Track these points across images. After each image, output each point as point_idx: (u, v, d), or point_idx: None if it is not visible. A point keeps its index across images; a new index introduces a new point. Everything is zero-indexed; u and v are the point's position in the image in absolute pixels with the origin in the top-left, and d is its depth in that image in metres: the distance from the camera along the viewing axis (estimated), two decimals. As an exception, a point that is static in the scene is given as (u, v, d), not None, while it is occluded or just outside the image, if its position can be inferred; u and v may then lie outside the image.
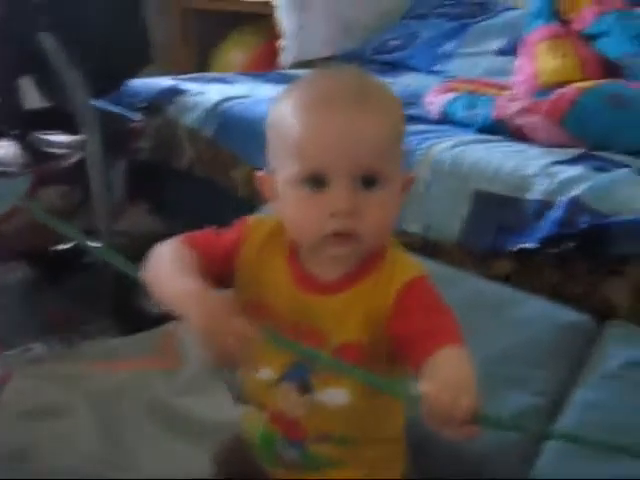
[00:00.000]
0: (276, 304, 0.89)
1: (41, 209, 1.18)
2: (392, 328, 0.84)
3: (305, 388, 0.90)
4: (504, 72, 2.29)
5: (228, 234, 0.93)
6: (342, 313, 0.87)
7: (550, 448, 1.20)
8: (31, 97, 2.03)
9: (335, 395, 0.89)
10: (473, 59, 2.59)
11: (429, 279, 0.88)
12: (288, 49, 2.98)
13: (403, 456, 1.01)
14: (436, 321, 0.82)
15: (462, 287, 1.41)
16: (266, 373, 0.92)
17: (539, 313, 1.40)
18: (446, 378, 0.72)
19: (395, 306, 0.84)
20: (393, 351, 0.85)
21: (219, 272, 0.91)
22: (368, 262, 0.87)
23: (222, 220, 0.96)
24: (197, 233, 0.94)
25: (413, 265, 0.89)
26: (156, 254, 0.89)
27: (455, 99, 1.95)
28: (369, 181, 0.81)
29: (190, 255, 0.88)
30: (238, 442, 1.04)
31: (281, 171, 0.86)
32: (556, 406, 1.27)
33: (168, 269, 0.86)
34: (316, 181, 0.82)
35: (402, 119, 0.88)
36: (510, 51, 2.43)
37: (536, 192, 1.50)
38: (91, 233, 2.06)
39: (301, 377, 0.90)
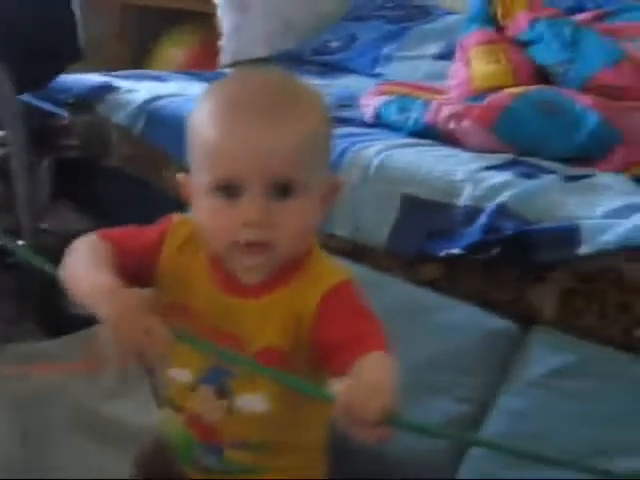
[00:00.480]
0: (197, 306, 0.88)
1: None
2: (316, 334, 0.83)
3: (223, 392, 0.88)
4: (443, 76, 2.29)
5: (150, 231, 0.91)
6: (263, 317, 0.85)
7: (474, 455, 1.20)
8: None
9: (253, 401, 0.87)
10: (412, 62, 2.59)
11: (354, 283, 0.86)
12: (226, 48, 2.95)
13: (322, 464, 1.00)
14: (361, 327, 0.81)
15: (389, 292, 1.41)
16: (184, 375, 0.90)
17: (466, 319, 1.40)
18: (360, 379, 0.71)
19: (319, 311, 0.83)
20: (315, 357, 0.84)
21: (137, 269, 0.89)
22: (291, 266, 0.85)
23: (152, 219, 0.93)
24: (116, 229, 0.92)
25: (338, 269, 0.88)
26: (72, 250, 0.87)
27: (389, 102, 1.94)
28: (283, 190, 0.79)
29: (105, 250, 0.87)
30: (158, 445, 1.03)
31: (196, 177, 0.84)
32: (482, 413, 1.27)
33: (83, 264, 0.85)
34: (228, 190, 0.80)
35: (325, 124, 0.85)
36: (449, 55, 2.43)
37: (464, 197, 1.49)
38: (14, 232, 2.00)
39: (219, 381, 0.88)
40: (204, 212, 0.83)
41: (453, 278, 1.50)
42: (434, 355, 1.33)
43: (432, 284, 1.50)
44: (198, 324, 0.87)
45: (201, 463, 0.95)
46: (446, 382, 1.31)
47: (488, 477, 1.17)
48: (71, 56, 1.89)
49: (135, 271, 0.88)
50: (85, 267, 0.84)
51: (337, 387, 0.70)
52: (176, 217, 0.92)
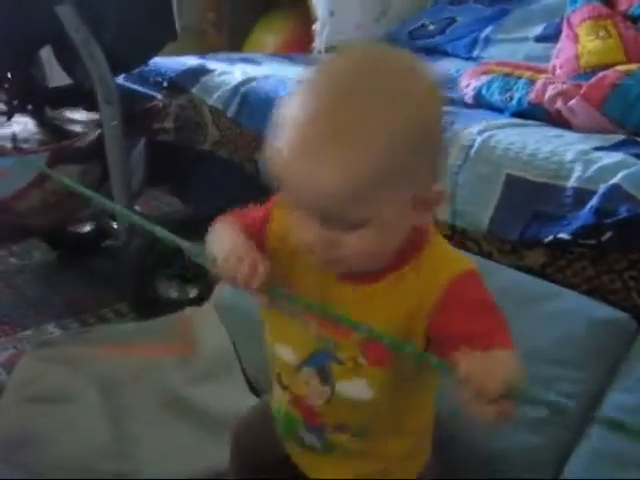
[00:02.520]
0: (303, 285, 0.85)
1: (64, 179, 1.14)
2: (435, 325, 0.79)
3: (326, 377, 0.86)
4: (544, 59, 2.21)
5: (257, 211, 0.90)
6: (372, 304, 0.81)
7: (579, 454, 1.14)
8: (58, 74, 1.99)
9: (356, 388, 0.85)
10: (512, 45, 2.51)
11: (476, 273, 0.81)
12: (320, 33, 2.93)
13: (426, 450, 0.98)
14: (486, 322, 0.77)
15: (491, 279, 1.30)
16: (288, 353, 0.89)
17: (573, 308, 1.31)
18: (482, 354, 0.68)
19: (441, 301, 0.78)
20: (430, 348, 0.80)
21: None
22: (408, 254, 0.80)
23: (244, 203, 0.92)
24: (238, 210, 0.91)
25: (462, 258, 0.83)
26: (213, 229, 0.88)
27: (490, 81, 1.86)
28: (343, 223, 0.73)
29: (234, 227, 0.87)
30: (260, 416, 1.05)
31: None
32: (588, 409, 1.20)
33: (219, 234, 0.87)
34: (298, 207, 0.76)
35: (419, 136, 0.72)
36: (550, 37, 2.36)
37: (573, 179, 1.40)
38: (108, 213, 2.03)
39: (323, 365, 0.86)
40: (291, 215, 0.79)
41: (559, 265, 1.41)
42: (539, 346, 1.25)
43: (537, 271, 1.42)
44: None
45: (304, 443, 0.95)
46: (551, 374, 1.23)
47: (594, 477, 1.11)
48: (166, 37, 1.88)
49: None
50: (223, 236, 0.86)
51: (460, 358, 0.67)
52: (278, 201, 0.88)
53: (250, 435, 1.09)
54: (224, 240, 0.83)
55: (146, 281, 1.92)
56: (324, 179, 0.69)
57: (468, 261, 0.82)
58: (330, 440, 0.91)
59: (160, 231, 0.87)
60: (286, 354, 0.89)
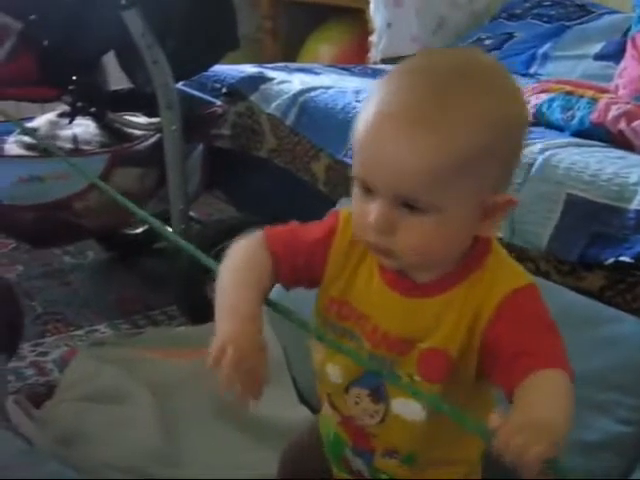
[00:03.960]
0: (361, 303, 0.84)
1: (112, 190, 1.15)
2: (488, 337, 0.77)
3: (378, 396, 0.84)
4: (602, 77, 2.19)
5: (318, 227, 0.88)
6: (434, 317, 0.80)
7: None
8: (118, 78, 2.02)
9: (409, 408, 0.83)
10: (570, 62, 2.49)
11: (535, 289, 0.80)
12: (377, 44, 2.93)
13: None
14: (540, 339, 0.75)
15: (549, 299, 1.30)
16: (335, 374, 0.87)
17: (633, 333, 1.28)
18: (524, 417, 0.65)
19: (497, 313, 0.77)
20: (482, 362, 0.79)
21: (306, 266, 0.86)
22: (469, 265, 0.80)
23: (299, 213, 0.92)
24: (281, 228, 0.89)
25: (522, 273, 0.81)
26: (234, 249, 0.86)
27: (551, 100, 1.84)
28: (410, 206, 0.73)
29: (263, 263, 0.84)
30: (310, 438, 1.02)
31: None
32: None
33: (232, 276, 0.83)
34: (366, 188, 0.76)
35: (496, 139, 0.73)
36: (610, 56, 2.33)
37: (637, 201, 1.38)
38: (164, 218, 2.04)
39: (376, 384, 0.84)
40: (353, 199, 0.80)
41: (620, 288, 1.38)
42: (597, 371, 1.23)
43: (595, 293, 1.40)
44: (361, 322, 0.83)
45: (351, 468, 0.93)
46: (609, 401, 1.22)
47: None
48: (229, 45, 1.89)
49: (304, 268, 0.86)
50: (235, 280, 0.83)
51: (497, 424, 0.64)
52: (345, 210, 0.87)
53: (299, 458, 1.07)
54: (233, 300, 0.81)
55: (197, 285, 1.93)
56: (407, 154, 0.71)
57: (526, 277, 0.81)
58: (377, 466, 0.89)
59: (188, 248, 0.87)
60: (335, 375, 0.87)
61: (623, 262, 1.35)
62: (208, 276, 1.94)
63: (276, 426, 1.44)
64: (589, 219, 1.43)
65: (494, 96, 0.74)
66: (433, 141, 0.71)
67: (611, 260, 1.37)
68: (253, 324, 0.78)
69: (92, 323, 1.97)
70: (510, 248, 1.50)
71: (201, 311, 1.92)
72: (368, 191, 0.75)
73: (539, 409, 0.67)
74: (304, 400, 1.53)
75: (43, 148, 1.77)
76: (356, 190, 0.78)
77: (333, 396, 0.90)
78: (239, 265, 0.84)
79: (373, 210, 0.74)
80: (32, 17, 1.65)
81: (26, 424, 1.39)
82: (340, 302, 0.84)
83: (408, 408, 0.82)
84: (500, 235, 1.51)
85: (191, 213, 1.98)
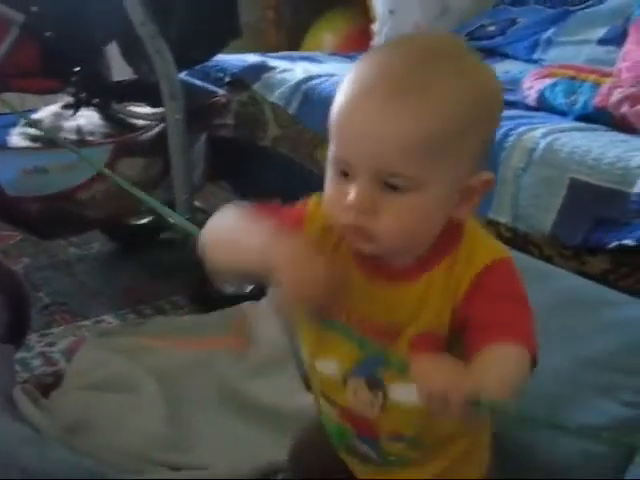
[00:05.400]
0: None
1: (121, 179, 1.16)
2: (461, 311, 0.77)
3: (375, 384, 0.84)
4: (607, 62, 2.17)
5: (294, 210, 0.86)
6: (418, 301, 0.79)
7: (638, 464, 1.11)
8: (120, 69, 2.02)
9: (407, 392, 0.81)
10: (575, 47, 2.47)
11: (509, 263, 0.79)
12: (379, 32, 2.92)
13: (485, 454, 0.95)
14: (507, 313, 0.75)
15: (554, 283, 1.32)
16: (331, 368, 0.86)
17: (636, 317, 1.28)
18: (433, 357, 0.68)
19: (470, 289, 0.77)
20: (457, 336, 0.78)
21: None
22: (444, 245, 0.79)
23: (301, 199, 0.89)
24: (259, 205, 0.86)
25: (496, 247, 0.81)
26: (218, 215, 0.84)
27: (554, 84, 1.84)
28: (390, 184, 0.73)
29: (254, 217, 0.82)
30: (315, 431, 1.00)
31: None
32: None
33: (237, 226, 0.80)
34: (343, 169, 0.75)
35: (471, 116, 0.73)
36: (614, 40, 2.31)
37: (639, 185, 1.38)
38: (169, 207, 2.05)
39: (371, 372, 0.83)
40: (326, 185, 0.78)
41: (623, 271, 1.39)
42: (601, 353, 1.24)
43: (599, 277, 1.40)
44: (346, 314, 0.82)
45: (359, 454, 0.92)
46: (612, 383, 1.21)
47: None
48: (231, 34, 1.89)
49: None
50: (242, 227, 0.80)
51: (413, 367, 0.67)
52: (313, 199, 0.85)
53: (309, 449, 1.06)
54: (252, 231, 0.78)
55: (203, 275, 1.94)
56: (386, 126, 0.71)
57: (501, 250, 0.81)
58: (385, 449, 0.89)
59: (197, 233, 0.85)
60: (329, 368, 0.86)
61: (626, 246, 1.35)
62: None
63: (281, 413, 1.45)
64: (592, 203, 1.43)
65: (471, 73, 0.75)
66: (412, 113, 0.71)
67: (614, 244, 1.38)
68: (288, 236, 0.76)
69: (98, 313, 1.97)
70: (513, 233, 1.52)
71: (207, 300, 1.93)
72: (345, 175, 0.74)
73: (471, 370, 0.68)
74: (310, 387, 1.54)
75: (48, 140, 1.78)
76: (331, 175, 0.76)
77: (329, 391, 0.89)
78: (236, 218, 0.82)
79: (352, 190, 0.73)
80: (34, 9, 1.65)
81: (33, 412, 1.40)
82: None
83: (406, 393, 0.81)
84: (502, 219, 1.51)
85: (196, 203, 1.99)
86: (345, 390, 0.86)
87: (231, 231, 0.81)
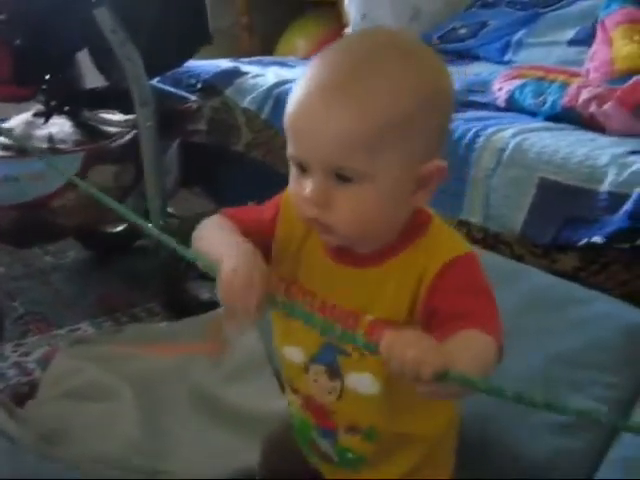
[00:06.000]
0: (309, 279, 0.86)
1: (92, 187, 1.15)
2: (426, 303, 0.79)
3: (334, 372, 0.86)
4: (577, 63, 2.20)
5: (266, 208, 0.90)
6: (378, 287, 0.82)
7: (611, 459, 1.13)
8: (92, 76, 2.02)
9: (362, 381, 0.85)
10: (545, 49, 2.49)
11: (474, 258, 0.82)
12: (352, 36, 2.93)
13: (446, 463, 0.96)
14: (472, 304, 0.77)
15: (524, 282, 1.34)
16: (297, 354, 0.89)
17: (607, 313, 1.30)
18: (404, 331, 0.69)
19: (436, 281, 0.79)
20: (423, 328, 0.79)
21: (260, 244, 0.85)
22: (409, 234, 0.82)
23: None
24: (237, 208, 0.91)
25: (460, 242, 0.84)
26: (200, 226, 0.88)
27: (523, 85, 1.86)
28: (342, 177, 0.75)
29: (231, 225, 0.86)
30: (286, 432, 1.03)
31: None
32: (621, 414, 1.18)
33: (213, 231, 0.86)
34: (300, 165, 0.78)
35: (417, 104, 0.75)
36: (584, 41, 2.34)
37: (607, 183, 1.40)
38: (142, 214, 2.04)
39: (331, 360, 0.86)
40: (290, 180, 0.81)
41: (593, 269, 1.40)
42: (572, 350, 1.25)
43: (570, 274, 1.41)
44: (309, 299, 0.85)
45: (320, 452, 0.94)
46: (584, 379, 1.23)
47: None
48: (201, 40, 1.90)
49: (259, 245, 0.85)
50: (216, 232, 0.85)
51: (385, 341, 0.67)
52: (286, 193, 0.88)
53: (277, 451, 1.08)
54: (218, 240, 0.83)
55: (178, 282, 1.94)
56: (327, 124, 0.73)
57: (466, 245, 0.83)
58: (342, 443, 0.90)
59: (177, 246, 0.86)
60: (294, 355, 0.89)
61: (595, 243, 1.37)
62: (189, 272, 1.95)
63: (257, 417, 1.45)
64: (561, 202, 1.45)
65: (414, 66, 0.77)
66: (350, 109, 0.73)
67: (584, 241, 1.39)
68: (255, 254, 0.78)
69: (74, 322, 1.96)
70: (484, 232, 1.54)
71: (182, 306, 1.93)
72: (303, 170, 0.77)
73: (443, 346, 0.68)
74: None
75: (18, 148, 1.77)
76: (293, 170, 0.80)
77: (294, 379, 0.91)
78: (214, 227, 0.86)
79: (308, 185, 0.76)
80: (2, 16, 1.64)
81: (8, 423, 1.39)
82: (289, 281, 0.86)
83: (361, 382, 0.84)
84: (473, 220, 1.52)
85: (169, 209, 1.99)
86: (307, 377, 0.88)
87: (207, 242, 0.85)
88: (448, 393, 0.69)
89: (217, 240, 0.83)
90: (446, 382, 0.64)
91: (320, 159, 0.75)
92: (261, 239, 0.86)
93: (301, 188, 0.77)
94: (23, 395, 1.59)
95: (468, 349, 0.70)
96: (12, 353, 1.81)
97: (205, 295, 2.00)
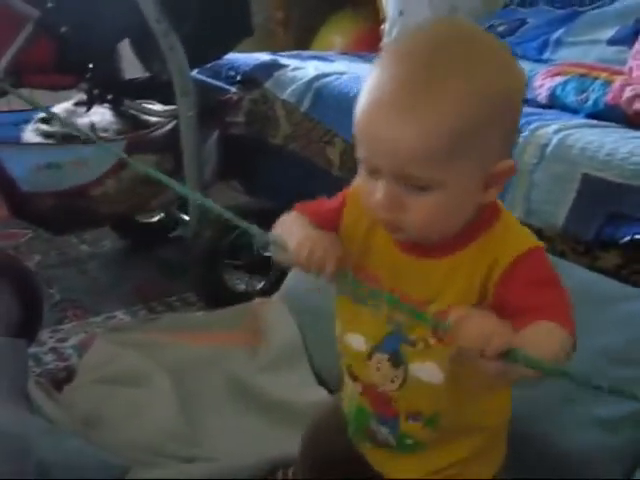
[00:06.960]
0: (377, 269, 0.86)
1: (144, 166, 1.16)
2: (499, 296, 0.79)
3: (398, 360, 0.87)
4: (616, 62, 2.17)
5: (332, 201, 0.91)
6: (447, 277, 0.82)
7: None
8: (130, 68, 2.03)
9: (427, 370, 0.85)
10: (583, 47, 2.47)
11: (544, 251, 0.82)
12: (389, 33, 2.92)
13: (501, 452, 0.97)
14: (546, 297, 0.77)
15: (566, 278, 1.31)
16: (359, 342, 0.90)
17: (650, 311, 1.29)
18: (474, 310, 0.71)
19: (508, 273, 0.78)
20: None
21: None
22: (477, 226, 0.81)
23: (314, 199, 0.93)
24: (307, 202, 0.92)
25: (527, 234, 0.83)
26: (277, 224, 0.89)
27: (565, 82, 1.84)
28: (414, 185, 0.75)
29: (305, 219, 0.88)
30: (331, 417, 1.04)
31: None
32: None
33: (291, 225, 0.87)
34: (370, 169, 0.78)
35: (491, 108, 0.74)
36: (623, 40, 2.31)
37: (653, 180, 1.38)
38: (180, 204, 2.06)
39: (394, 349, 0.86)
40: (360, 179, 0.82)
41: (636, 267, 1.39)
42: (613, 348, 1.24)
43: (611, 272, 1.40)
44: (377, 287, 0.85)
45: (376, 439, 0.94)
46: (628, 376, 1.21)
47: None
48: (243, 32, 1.90)
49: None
50: (294, 225, 0.87)
51: (457, 314, 0.70)
52: (353, 185, 0.90)
53: (322, 438, 1.09)
54: (295, 228, 0.85)
55: (214, 272, 1.95)
56: (404, 134, 0.73)
57: (535, 238, 0.83)
58: (402, 430, 0.90)
59: (233, 217, 0.88)
60: (357, 343, 0.90)
61: (639, 240, 1.35)
62: (227, 264, 1.96)
63: (294, 407, 1.46)
64: (604, 198, 1.43)
65: (488, 70, 0.75)
66: (423, 124, 0.72)
67: (627, 239, 1.37)
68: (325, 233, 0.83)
69: (110, 310, 1.98)
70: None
71: (218, 296, 1.94)
72: (373, 171, 0.77)
73: (526, 332, 0.70)
74: (322, 382, 1.55)
75: (61, 136, 1.78)
76: (361, 173, 0.80)
77: (355, 366, 0.92)
78: (289, 222, 0.88)
79: (379, 189, 0.76)
80: (49, 4, 1.66)
81: (48, 405, 1.41)
82: (356, 268, 0.86)
83: (425, 371, 0.85)
84: (514, 214, 1.51)
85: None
86: (369, 365, 0.89)
87: (283, 230, 0.87)
88: (513, 374, 0.68)
89: (294, 229, 0.85)
90: (512, 362, 0.65)
91: (391, 168, 0.75)
92: (330, 229, 0.87)
93: (372, 190, 0.78)
94: (61, 380, 1.61)
95: (544, 337, 0.70)
96: (49, 339, 1.83)
97: (240, 287, 2.01)
